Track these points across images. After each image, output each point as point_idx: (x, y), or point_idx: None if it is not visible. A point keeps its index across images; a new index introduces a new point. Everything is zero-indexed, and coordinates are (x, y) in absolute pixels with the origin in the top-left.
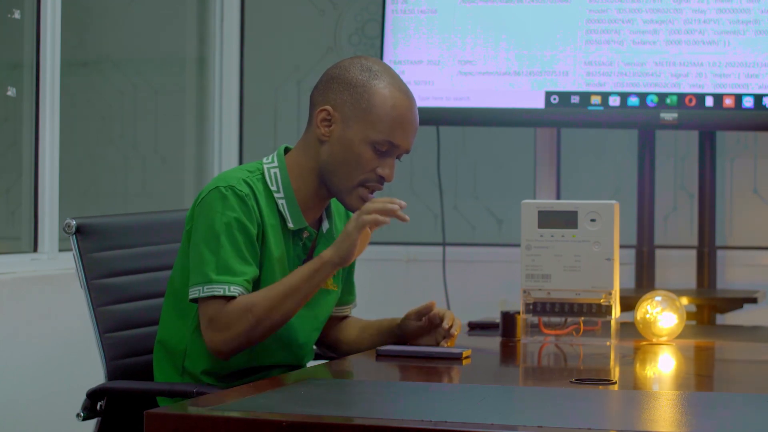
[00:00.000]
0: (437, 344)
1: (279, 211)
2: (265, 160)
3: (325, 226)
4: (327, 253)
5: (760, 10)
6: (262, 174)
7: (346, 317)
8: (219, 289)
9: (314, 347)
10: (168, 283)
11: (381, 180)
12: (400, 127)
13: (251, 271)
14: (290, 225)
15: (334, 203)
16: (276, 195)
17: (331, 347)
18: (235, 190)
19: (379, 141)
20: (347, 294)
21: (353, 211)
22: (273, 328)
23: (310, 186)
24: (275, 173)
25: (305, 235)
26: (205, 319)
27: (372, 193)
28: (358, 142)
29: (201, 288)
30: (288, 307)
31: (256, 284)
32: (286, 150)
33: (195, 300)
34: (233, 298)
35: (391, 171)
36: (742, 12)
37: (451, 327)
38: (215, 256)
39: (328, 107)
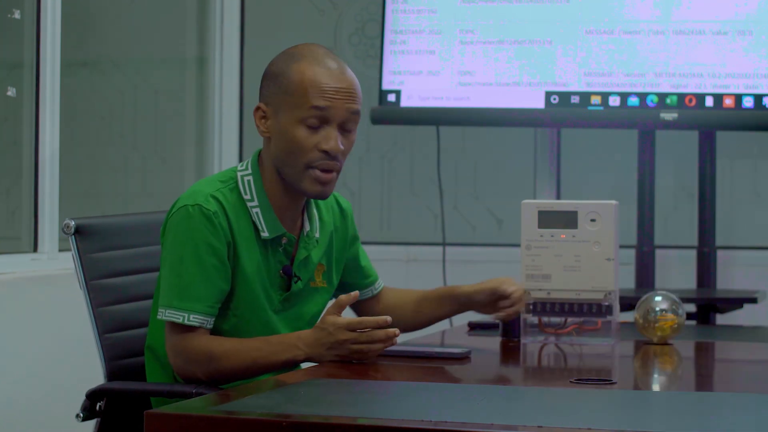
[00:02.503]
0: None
1: (253, 221)
2: (239, 167)
3: (306, 228)
4: (304, 352)
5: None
6: (236, 183)
7: (380, 293)
8: (178, 317)
9: None
10: (155, 288)
11: (327, 155)
12: (318, 91)
13: (216, 293)
14: (264, 234)
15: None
16: (249, 204)
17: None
18: (202, 208)
19: (304, 116)
20: (363, 278)
21: (314, 197)
22: (232, 381)
23: (279, 187)
24: (249, 181)
25: (284, 240)
26: (168, 342)
27: (324, 171)
28: (289, 126)
29: (164, 311)
30: (249, 376)
31: (231, 299)
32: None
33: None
34: (193, 327)
35: (335, 142)
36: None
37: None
38: (179, 278)
39: (260, 104)
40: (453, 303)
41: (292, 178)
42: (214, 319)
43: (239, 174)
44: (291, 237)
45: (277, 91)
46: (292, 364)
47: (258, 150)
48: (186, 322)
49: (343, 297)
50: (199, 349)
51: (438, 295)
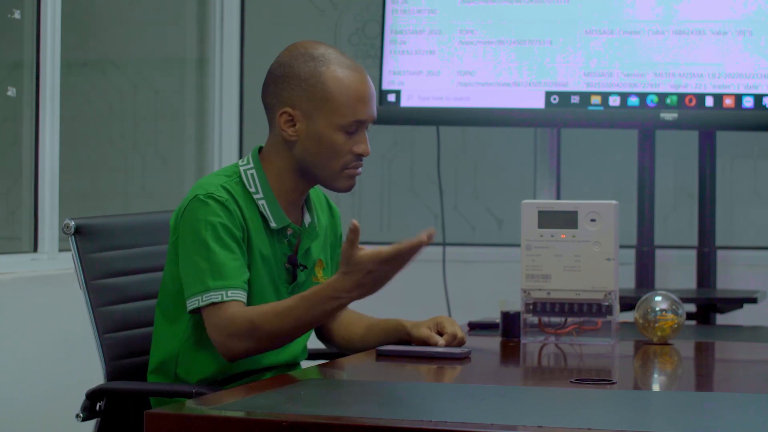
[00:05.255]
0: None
1: (260, 212)
2: (240, 163)
3: (307, 219)
4: (348, 297)
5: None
6: (240, 177)
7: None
8: (217, 296)
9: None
10: (159, 290)
11: (360, 157)
12: (361, 103)
13: (245, 270)
14: (273, 224)
15: (314, 194)
16: (255, 196)
17: (337, 345)
18: (215, 196)
19: (346, 124)
20: None
21: (345, 191)
22: (279, 346)
23: (288, 183)
24: (252, 174)
25: (289, 232)
26: (210, 326)
27: (357, 169)
28: (327, 132)
29: (200, 297)
30: (294, 335)
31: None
32: (261, 149)
33: (196, 310)
34: (232, 301)
35: (366, 145)
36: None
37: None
38: (208, 262)
39: (287, 108)
40: (396, 336)
41: (326, 178)
42: (246, 294)
43: (242, 168)
44: (295, 228)
45: (309, 96)
46: (337, 311)
47: (258, 147)
48: (225, 299)
49: (351, 231)
50: (239, 320)
51: (386, 327)
